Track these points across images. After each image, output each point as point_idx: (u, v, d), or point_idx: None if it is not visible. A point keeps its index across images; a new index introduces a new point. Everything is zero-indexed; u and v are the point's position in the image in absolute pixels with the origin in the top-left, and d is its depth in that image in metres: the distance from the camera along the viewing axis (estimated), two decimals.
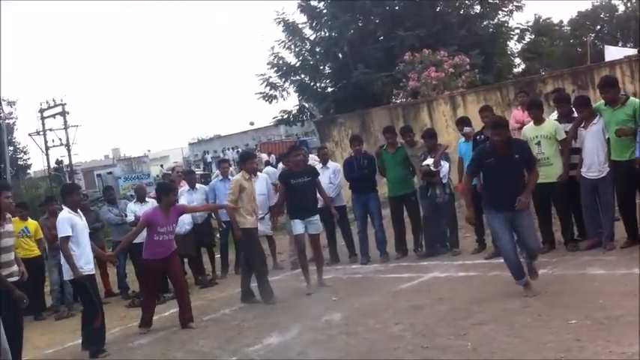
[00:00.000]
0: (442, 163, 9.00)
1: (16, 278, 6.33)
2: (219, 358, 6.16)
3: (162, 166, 44.20)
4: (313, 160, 10.82)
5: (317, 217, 8.41)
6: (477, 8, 20.90)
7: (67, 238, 6.88)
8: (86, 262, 7.02)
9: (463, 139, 8.98)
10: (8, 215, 6.55)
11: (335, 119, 16.88)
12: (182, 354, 6.51)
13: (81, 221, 7.08)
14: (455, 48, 17.51)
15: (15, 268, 6.42)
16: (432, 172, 8.99)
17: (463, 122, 9.10)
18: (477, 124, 8.98)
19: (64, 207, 7.21)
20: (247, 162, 8.38)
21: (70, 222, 6.95)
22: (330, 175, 10.14)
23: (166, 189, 7.90)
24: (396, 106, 16.16)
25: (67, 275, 7.12)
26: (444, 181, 9.06)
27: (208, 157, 42.35)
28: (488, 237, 8.32)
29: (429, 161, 9.02)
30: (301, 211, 8.34)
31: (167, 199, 7.66)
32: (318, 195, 8.71)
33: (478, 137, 8.53)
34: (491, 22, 20.80)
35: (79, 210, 7.23)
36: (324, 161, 10.38)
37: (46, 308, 10.20)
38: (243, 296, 8.26)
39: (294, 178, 8.34)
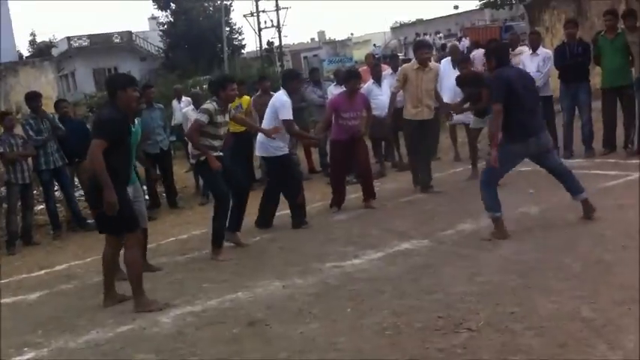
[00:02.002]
0: None
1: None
2: (413, 239, 6.40)
3: (375, 45, 44.41)
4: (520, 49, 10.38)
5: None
6: None
7: (292, 121, 7.36)
8: (285, 144, 7.47)
9: None
10: (230, 105, 7.01)
11: (548, 2, 15.71)
12: (378, 231, 6.85)
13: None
14: None
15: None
16: None
17: None
18: None
19: (282, 89, 7.56)
20: (418, 51, 8.32)
21: (291, 106, 7.41)
22: (539, 63, 9.62)
23: (347, 76, 8.19)
24: None
25: (260, 151, 7.62)
26: None
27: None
28: None
29: None
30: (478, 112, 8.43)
31: (348, 86, 7.95)
32: None
33: None
34: None
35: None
36: (534, 47, 9.85)
37: (256, 180, 11.11)
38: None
39: (467, 85, 8.39)
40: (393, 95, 8.65)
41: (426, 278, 5.20)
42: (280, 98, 7.45)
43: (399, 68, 8.94)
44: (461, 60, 9.10)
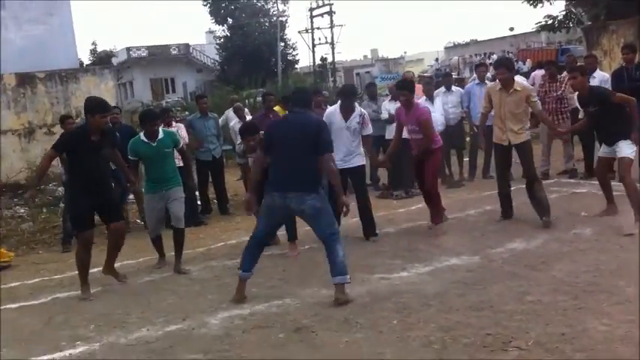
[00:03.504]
0: None
1: None
2: (462, 255, 6.36)
3: (437, 60, 44.08)
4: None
5: (625, 141, 6.86)
6: None
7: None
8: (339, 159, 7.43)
9: None
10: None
11: (606, 26, 15.50)
12: (426, 246, 6.81)
13: (339, 120, 7.44)
14: None
15: None
16: None
17: None
18: None
19: (339, 103, 7.66)
20: (496, 71, 7.68)
21: (329, 119, 7.40)
22: None
23: (401, 87, 7.78)
24: None
25: None
26: None
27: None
28: None
29: None
30: (602, 137, 7.32)
31: (403, 97, 7.55)
32: None
33: None
34: None
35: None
36: (590, 70, 9.70)
37: None
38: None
39: (588, 103, 7.23)
40: (483, 116, 7.97)
41: (474, 295, 5.15)
42: (327, 111, 7.84)
43: (484, 88, 8.59)
44: (572, 69, 7.58)
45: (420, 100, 10.31)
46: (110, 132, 6.78)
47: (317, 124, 5.49)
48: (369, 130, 7.56)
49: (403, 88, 7.64)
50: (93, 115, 6.09)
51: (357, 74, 43.22)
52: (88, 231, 6.27)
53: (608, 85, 9.42)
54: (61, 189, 11.05)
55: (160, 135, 6.83)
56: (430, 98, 10.34)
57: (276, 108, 10.24)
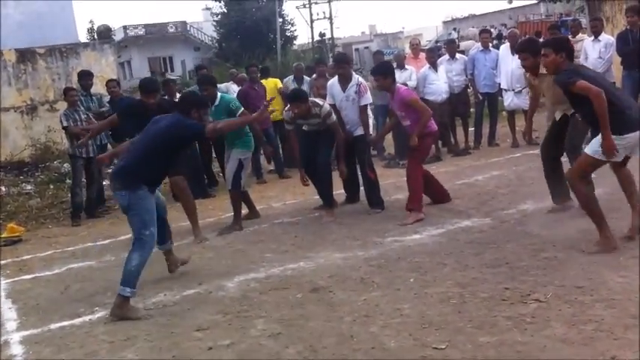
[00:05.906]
0: None
1: None
2: (473, 217, 6.38)
3: (455, 29, 43.21)
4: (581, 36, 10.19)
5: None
6: None
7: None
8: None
9: None
10: None
11: None
12: (437, 210, 6.81)
13: (339, 91, 7.34)
14: None
15: None
16: None
17: None
18: None
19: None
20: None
21: (331, 90, 7.45)
22: (601, 49, 9.49)
23: (373, 71, 7.35)
24: None
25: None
26: None
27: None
28: None
29: None
30: None
31: (375, 82, 7.22)
32: None
33: None
34: None
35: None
36: (595, 33, 9.67)
37: None
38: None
39: None
40: None
41: (489, 253, 5.18)
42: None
43: None
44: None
45: (424, 68, 10.31)
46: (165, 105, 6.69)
47: (168, 126, 5.03)
48: (366, 99, 7.23)
49: (374, 72, 7.08)
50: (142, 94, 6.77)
51: (356, 50, 42.99)
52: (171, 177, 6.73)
53: (613, 49, 9.41)
54: (66, 165, 11.04)
55: (217, 102, 7.03)
56: (434, 66, 10.29)
57: (269, 81, 10.49)
